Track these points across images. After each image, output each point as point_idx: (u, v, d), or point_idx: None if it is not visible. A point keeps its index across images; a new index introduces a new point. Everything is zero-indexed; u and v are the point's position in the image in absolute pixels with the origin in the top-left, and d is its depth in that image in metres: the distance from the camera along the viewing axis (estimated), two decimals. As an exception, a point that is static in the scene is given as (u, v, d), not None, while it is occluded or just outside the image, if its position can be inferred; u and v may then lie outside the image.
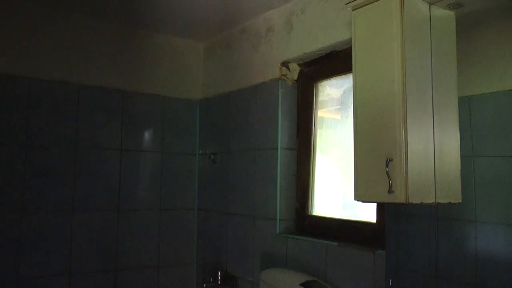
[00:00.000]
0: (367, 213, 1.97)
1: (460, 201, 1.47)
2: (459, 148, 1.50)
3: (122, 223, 2.75)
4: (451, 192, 1.47)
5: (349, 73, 2.02)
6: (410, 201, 1.36)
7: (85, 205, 2.63)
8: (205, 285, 2.62)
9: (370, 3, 1.50)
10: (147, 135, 2.89)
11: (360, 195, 1.51)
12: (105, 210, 2.70)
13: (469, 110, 1.54)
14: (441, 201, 1.43)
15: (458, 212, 1.54)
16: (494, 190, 1.46)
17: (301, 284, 1.90)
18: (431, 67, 1.47)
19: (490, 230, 1.47)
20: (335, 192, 2.22)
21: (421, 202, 1.39)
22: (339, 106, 2.27)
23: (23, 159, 2.45)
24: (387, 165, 1.38)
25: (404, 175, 1.36)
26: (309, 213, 2.28)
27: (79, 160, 2.62)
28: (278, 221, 2.29)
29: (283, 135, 2.34)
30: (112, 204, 2.73)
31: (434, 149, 1.44)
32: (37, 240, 2.48)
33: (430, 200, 1.41)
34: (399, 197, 1.37)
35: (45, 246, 2.50)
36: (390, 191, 1.38)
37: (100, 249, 2.68)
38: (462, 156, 1.49)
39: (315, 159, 2.31)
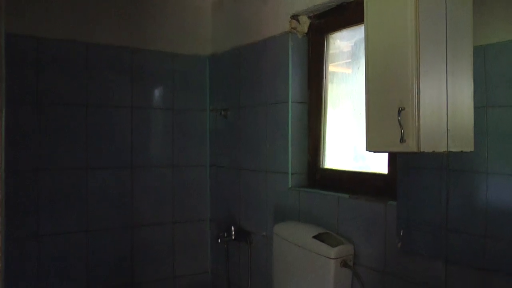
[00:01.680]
0: (379, 164, 1.97)
1: (473, 149, 1.46)
2: (472, 97, 1.47)
3: (136, 180, 2.79)
4: (463, 140, 1.45)
5: (360, 24, 1.97)
6: (422, 150, 1.35)
7: (99, 163, 2.66)
8: (219, 240, 2.67)
9: None
10: (157, 92, 2.89)
11: (372, 145, 1.50)
12: (118, 167, 2.74)
13: (483, 59, 1.50)
14: (453, 149, 1.42)
15: (469, 164, 1.52)
16: (507, 140, 1.44)
17: (314, 237, 1.93)
18: (446, 15, 1.43)
19: (501, 182, 1.46)
20: (347, 144, 2.22)
21: (433, 151, 1.38)
22: (350, 60, 2.24)
23: (34, 119, 2.47)
24: (399, 114, 1.36)
25: (416, 123, 1.34)
26: (321, 166, 2.29)
27: (90, 118, 2.63)
28: (290, 175, 2.30)
29: (293, 88, 2.32)
30: (125, 161, 2.76)
31: (447, 98, 1.42)
32: (54, 198, 2.54)
33: (442, 148, 1.40)
34: (411, 146, 1.36)
35: (62, 203, 2.56)
36: (402, 140, 1.37)
37: (116, 206, 2.73)
38: (475, 107, 1.46)
39: (326, 112, 2.30)
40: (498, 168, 1.46)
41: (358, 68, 2.12)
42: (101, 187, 2.68)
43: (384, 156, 1.90)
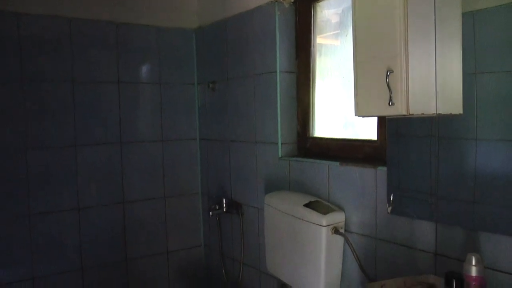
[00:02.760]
0: (368, 132, 1.97)
1: (461, 112, 1.46)
2: (461, 61, 1.46)
3: (126, 156, 2.78)
4: (452, 103, 1.45)
5: (347, -11, 1.95)
6: (411, 113, 1.35)
7: (87, 140, 2.64)
8: (210, 213, 2.68)
9: None
10: (143, 66, 2.85)
11: (361, 110, 1.50)
12: (107, 144, 2.71)
13: (473, 26, 1.49)
14: (442, 112, 1.42)
15: (458, 130, 1.53)
16: (496, 106, 1.44)
17: (305, 205, 1.93)
18: (434, -20, 1.41)
19: (490, 147, 1.46)
20: (336, 113, 2.21)
21: (422, 114, 1.38)
22: (338, 31, 2.21)
23: (19, 97, 2.43)
24: (387, 77, 1.36)
25: (405, 86, 1.34)
26: (311, 135, 2.29)
27: (77, 95, 2.59)
28: (279, 145, 2.30)
29: (281, 58, 2.29)
30: (114, 137, 2.73)
31: (435, 62, 1.41)
32: (44, 176, 2.51)
33: (431, 111, 1.40)
34: (399, 109, 1.36)
35: (52, 182, 2.54)
36: (391, 103, 1.36)
37: (106, 183, 2.72)
38: (465, 73, 1.46)
39: (314, 81, 2.29)
40: (487, 134, 1.46)
41: (346, 36, 2.10)
42: (91, 164, 2.66)
43: (374, 123, 1.90)
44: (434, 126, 1.57)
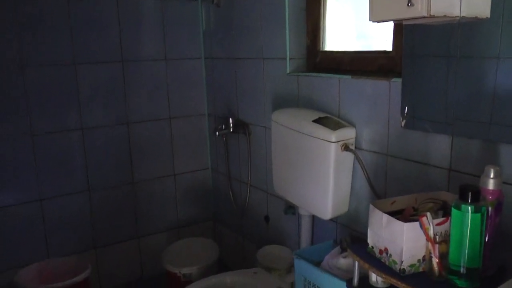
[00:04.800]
0: (383, 42, 1.84)
1: (489, 16, 1.32)
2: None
3: (128, 74, 2.67)
4: (479, 4, 1.31)
5: None
6: (432, 14, 1.21)
7: (87, 57, 2.53)
8: (216, 133, 2.60)
9: None
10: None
11: (376, 15, 1.36)
12: (108, 62, 2.60)
13: None
14: (467, 14, 1.28)
15: (480, 49, 1.39)
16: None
17: (313, 121, 1.84)
18: None
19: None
20: (348, 23, 2.06)
21: (445, 15, 1.25)
22: None
23: (12, 12, 2.29)
24: (407, -28, 1.22)
25: (426, -17, 1.20)
26: (321, 49, 2.15)
27: (73, 8, 2.45)
28: (288, 60, 2.17)
29: (289, -35, 2.12)
30: (115, 55, 2.62)
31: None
32: (44, 95, 2.44)
33: (454, 13, 1.26)
34: (419, 10, 1.22)
35: (53, 101, 2.47)
36: (410, 3, 1.23)
37: (109, 103, 2.64)
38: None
39: (325, -9, 2.12)
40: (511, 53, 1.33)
41: None
42: (91, 83, 2.57)
43: (390, 30, 1.75)
44: (453, 46, 1.43)
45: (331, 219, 2.03)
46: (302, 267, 1.75)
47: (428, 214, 1.18)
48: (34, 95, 2.41)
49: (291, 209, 2.27)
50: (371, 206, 1.31)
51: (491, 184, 1.14)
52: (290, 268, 2.12)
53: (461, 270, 1.12)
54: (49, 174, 2.51)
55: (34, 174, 2.47)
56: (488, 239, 1.15)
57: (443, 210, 1.29)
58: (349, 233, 1.92)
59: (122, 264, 2.82)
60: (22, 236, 2.49)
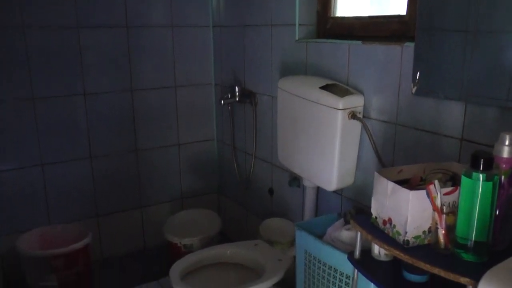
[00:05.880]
0: (397, 6, 1.74)
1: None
2: None
3: (133, 40, 2.60)
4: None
5: None
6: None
7: (90, 21, 2.46)
8: (222, 101, 2.53)
9: None
10: None
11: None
12: (112, 27, 2.53)
13: None
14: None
15: (498, 24, 1.29)
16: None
17: (321, 88, 1.76)
18: None
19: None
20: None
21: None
22: None
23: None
24: None
25: None
26: (332, 15, 2.05)
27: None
28: (297, 26, 2.08)
29: None
30: (120, 20, 2.54)
31: None
32: (45, 58, 2.38)
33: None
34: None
35: (54, 65, 2.42)
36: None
37: (113, 69, 2.58)
38: None
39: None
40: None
41: None
42: (95, 48, 2.50)
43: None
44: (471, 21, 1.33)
45: (336, 192, 1.97)
46: (304, 239, 1.69)
47: (436, 182, 1.10)
48: (36, 59, 2.35)
49: (295, 181, 2.20)
50: (376, 174, 1.23)
51: (505, 152, 1.06)
52: (293, 242, 2.06)
53: (469, 243, 1.05)
54: (50, 139, 2.47)
55: (35, 138, 2.43)
56: (499, 211, 1.08)
57: (452, 182, 1.22)
58: (354, 206, 1.86)
59: (124, 234, 2.79)
60: (24, 201, 2.46)
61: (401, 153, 1.62)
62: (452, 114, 1.42)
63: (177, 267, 1.91)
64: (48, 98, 2.42)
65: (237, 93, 2.50)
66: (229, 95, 2.54)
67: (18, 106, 2.36)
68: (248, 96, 2.48)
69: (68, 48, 2.43)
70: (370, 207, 1.28)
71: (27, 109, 2.38)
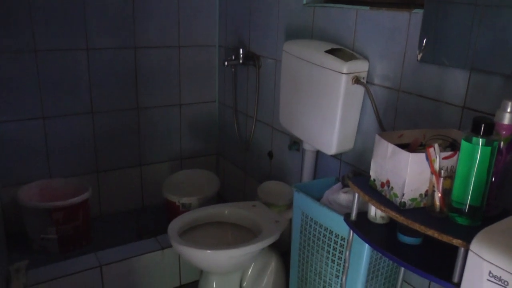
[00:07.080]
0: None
1: None
2: None
3: (137, 2, 2.57)
4: None
5: None
6: None
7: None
8: (225, 63, 2.52)
9: None
10: None
11: None
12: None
13: None
14: None
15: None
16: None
17: (326, 51, 1.76)
18: None
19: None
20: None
21: None
22: None
23: None
24: None
25: None
26: (341, -22, 2.03)
27: None
28: (305, -11, 2.07)
29: None
30: (125, -26, 2.51)
31: None
32: (48, 10, 2.35)
33: None
34: None
35: (57, 17, 2.39)
36: None
37: (117, 26, 2.56)
38: None
39: None
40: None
41: None
42: (99, 3, 2.47)
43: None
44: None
45: (335, 156, 1.98)
46: (301, 200, 1.71)
47: (436, 145, 1.12)
48: (38, 10, 2.33)
49: (295, 144, 2.22)
50: (377, 136, 1.25)
51: (506, 119, 1.07)
52: (290, 205, 2.10)
53: (464, 208, 1.07)
54: (52, 93, 2.46)
55: (37, 91, 2.42)
56: (495, 177, 1.10)
57: (452, 148, 1.23)
58: (352, 169, 1.88)
59: (123, 191, 2.83)
60: (25, 153, 2.48)
61: (402, 119, 1.63)
62: (455, 82, 1.42)
63: (176, 224, 1.94)
64: (50, 51, 2.40)
65: (241, 56, 2.49)
66: (233, 57, 2.52)
67: (19, 57, 2.35)
68: (252, 58, 2.47)
69: (72, 2, 2.40)
70: (368, 172, 1.30)
71: (28, 60, 2.36)
